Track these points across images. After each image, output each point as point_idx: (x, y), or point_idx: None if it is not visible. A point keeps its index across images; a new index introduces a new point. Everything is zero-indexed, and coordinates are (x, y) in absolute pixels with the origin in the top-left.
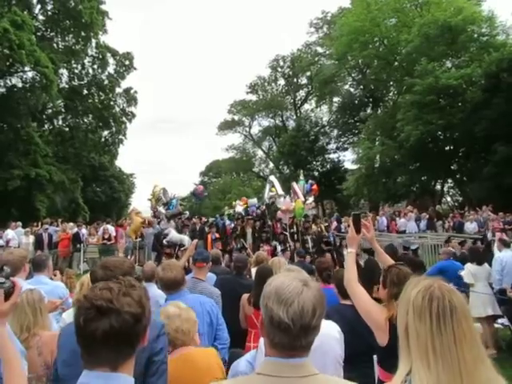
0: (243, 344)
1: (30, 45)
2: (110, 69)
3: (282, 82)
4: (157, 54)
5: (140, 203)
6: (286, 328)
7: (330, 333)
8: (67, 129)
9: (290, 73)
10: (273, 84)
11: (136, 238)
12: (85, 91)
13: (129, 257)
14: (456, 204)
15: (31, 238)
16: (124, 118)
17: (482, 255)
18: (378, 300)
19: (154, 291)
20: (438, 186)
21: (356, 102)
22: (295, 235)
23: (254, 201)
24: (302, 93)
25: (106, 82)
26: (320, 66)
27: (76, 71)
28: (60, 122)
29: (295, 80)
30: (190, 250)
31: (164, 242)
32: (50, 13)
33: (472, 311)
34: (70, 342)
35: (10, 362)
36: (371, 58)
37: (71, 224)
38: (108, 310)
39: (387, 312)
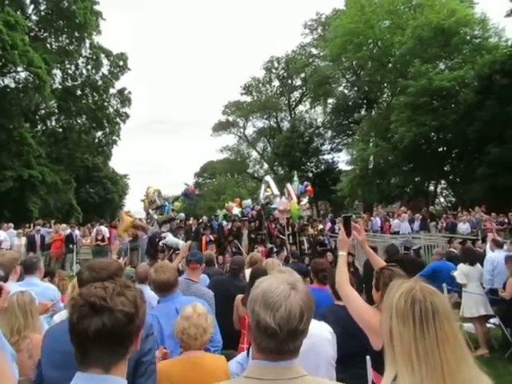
0: (236, 346)
1: (23, 45)
2: (104, 69)
3: (276, 83)
4: (151, 55)
5: (134, 204)
6: (273, 333)
7: (322, 334)
8: (60, 129)
9: (285, 74)
10: (267, 85)
11: (127, 237)
12: (78, 92)
13: (121, 258)
14: (449, 205)
15: (23, 240)
16: (118, 119)
17: (475, 255)
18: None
19: (147, 293)
20: (432, 187)
21: (350, 103)
22: (291, 237)
23: (248, 202)
24: (296, 94)
25: (99, 82)
26: (314, 67)
27: (69, 72)
28: (53, 123)
29: (290, 81)
30: (183, 252)
31: (160, 244)
32: (43, 13)
33: (464, 311)
34: (59, 343)
35: (2, 375)
36: (365, 60)
37: (64, 225)
38: (101, 308)
39: (380, 315)
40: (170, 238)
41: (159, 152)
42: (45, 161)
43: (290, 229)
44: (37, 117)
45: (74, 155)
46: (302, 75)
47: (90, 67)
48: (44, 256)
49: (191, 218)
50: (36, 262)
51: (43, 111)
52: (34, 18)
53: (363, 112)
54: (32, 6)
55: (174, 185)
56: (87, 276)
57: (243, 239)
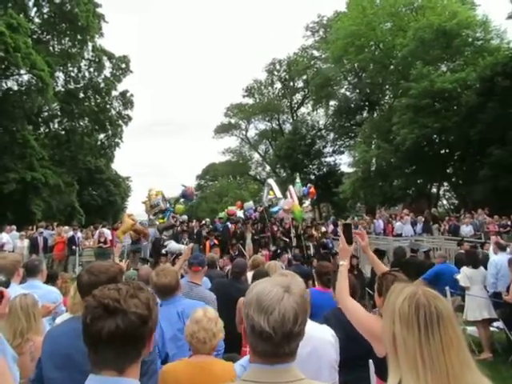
0: (239, 349)
1: (26, 48)
2: (107, 72)
3: (278, 85)
4: (153, 57)
5: (136, 206)
6: (268, 337)
7: (324, 337)
8: (63, 132)
9: (287, 76)
10: (269, 87)
11: (124, 239)
12: (81, 94)
13: (123, 261)
14: (452, 207)
15: (26, 242)
16: (120, 121)
17: (478, 258)
18: None
19: None
20: (434, 190)
21: (352, 105)
22: (294, 239)
23: (250, 204)
24: (298, 96)
25: (102, 85)
26: (316, 69)
27: (72, 74)
28: (56, 126)
29: (291, 83)
30: (185, 254)
31: (162, 251)
32: (45, 16)
33: (468, 314)
34: (59, 345)
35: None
36: (367, 62)
37: (66, 227)
38: (115, 310)
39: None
40: (172, 245)
41: (161, 154)
42: (47, 163)
43: (293, 231)
44: (39, 119)
45: (76, 157)
46: (304, 77)
47: (92, 70)
48: (47, 258)
49: (194, 221)
50: (38, 265)
51: (46, 114)
52: (36, 20)
53: (365, 114)
54: (35, 9)
55: (176, 187)
56: (86, 279)
57: (247, 242)
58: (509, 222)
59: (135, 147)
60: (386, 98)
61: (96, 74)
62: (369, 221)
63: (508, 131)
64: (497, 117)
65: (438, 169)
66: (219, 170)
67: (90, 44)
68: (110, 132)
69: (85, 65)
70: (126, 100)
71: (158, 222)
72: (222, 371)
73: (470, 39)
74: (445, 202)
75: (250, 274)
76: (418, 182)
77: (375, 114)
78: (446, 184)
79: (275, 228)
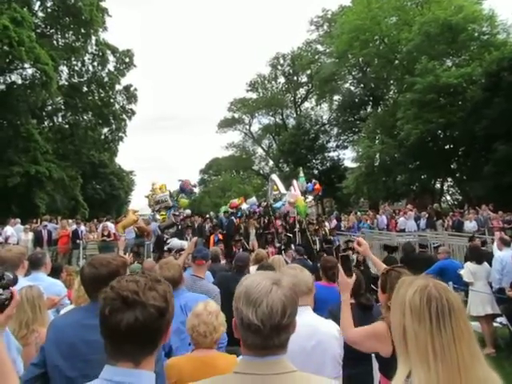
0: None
1: (30, 42)
2: (110, 66)
3: (282, 80)
4: (157, 52)
5: (139, 200)
6: (257, 329)
7: (329, 331)
8: (67, 126)
9: (291, 71)
10: (273, 82)
11: (123, 233)
12: (85, 88)
13: (128, 254)
14: (455, 203)
15: (30, 235)
16: (124, 116)
17: (482, 254)
18: None
19: None
20: (438, 185)
21: (356, 100)
22: (298, 234)
23: (253, 200)
24: (302, 91)
25: (105, 79)
26: (320, 64)
27: (76, 68)
28: (60, 119)
29: (295, 78)
30: (189, 248)
31: (165, 247)
32: (49, 10)
33: (471, 310)
34: (65, 334)
35: (6, 374)
36: (372, 57)
37: (70, 221)
38: (134, 302)
39: (387, 319)
40: (174, 242)
41: (165, 148)
42: (51, 157)
43: (297, 226)
44: (43, 113)
45: (80, 151)
46: (308, 72)
47: (96, 64)
48: (51, 251)
49: (196, 216)
50: (42, 258)
51: (50, 107)
52: (40, 14)
53: (369, 109)
54: (38, 3)
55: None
56: (87, 272)
57: (251, 238)
58: None
59: (139, 141)
60: (391, 92)
61: (100, 68)
62: (372, 216)
63: None
64: (502, 112)
65: (442, 164)
66: (222, 165)
67: (93, 38)
68: (113, 126)
69: (88, 59)
70: (130, 94)
71: (159, 217)
72: (225, 365)
73: (476, 34)
74: (448, 197)
75: (253, 268)
76: (422, 177)
77: (379, 109)
78: (449, 179)
79: (279, 223)
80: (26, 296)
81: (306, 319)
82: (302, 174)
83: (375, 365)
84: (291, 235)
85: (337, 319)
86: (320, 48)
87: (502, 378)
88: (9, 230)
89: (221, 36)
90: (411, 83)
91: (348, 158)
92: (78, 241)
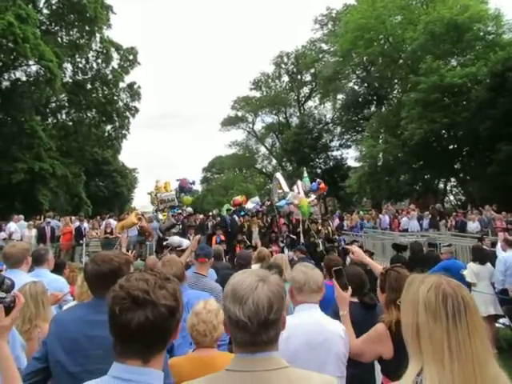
0: None
1: (35, 38)
2: (114, 63)
3: (285, 78)
4: (160, 49)
5: (142, 198)
6: (244, 326)
7: (335, 330)
8: (71, 123)
9: (294, 69)
10: (277, 80)
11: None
12: (88, 86)
13: (130, 251)
14: (459, 203)
15: (34, 232)
16: (127, 113)
17: (485, 254)
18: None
19: None
20: (441, 185)
21: (360, 99)
22: (301, 234)
23: (257, 199)
24: (305, 90)
25: (109, 76)
26: (324, 62)
27: (80, 65)
28: (64, 116)
29: (299, 77)
30: (192, 246)
31: (164, 243)
32: (54, 7)
33: None
34: (67, 330)
35: (11, 378)
36: (376, 56)
37: (73, 218)
38: (144, 302)
39: (386, 319)
40: (172, 239)
41: (168, 146)
42: (55, 154)
43: (300, 226)
44: (47, 110)
45: (83, 148)
46: (312, 71)
47: (100, 61)
48: (54, 248)
49: (198, 214)
50: (44, 254)
51: (54, 104)
52: (45, 11)
53: (373, 108)
54: (43, 0)
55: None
56: (90, 268)
57: (253, 237)
58: None
59: (142, 139)
60: (395, 92)
61: (104, 65)
62: (374, 215)
63: None
64: (507, 112)
65: (446, 164)
66: (225, 163)
67: (97, 35)
68: (117, 124)
69: (93, 56)
70: (134, 92)
71: (162, 217)
72: (224, 364)
73: (482, 33)
74: (452, 197)
75: (255, 266)
76: (425, 177)
77: (383, 109)
78: (453, 180)
79: (282, 221)
80: (30, 291)
81: (314, 316)
82: (305, 174)
83: (377, 366)
84: (294, 236)
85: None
86: (324, 47)
87: None
88: (12, 226)
89: (225, 34)
90: (415, 83)
91: (351, 157)
92: (80, 238)
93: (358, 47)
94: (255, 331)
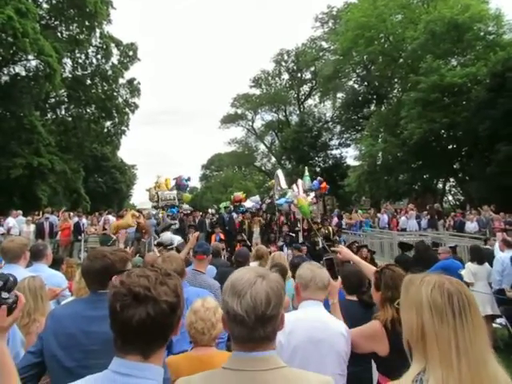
0: None
1: (34, 33)
2: (114, 59)
3: (285, 76)
4: (160, 45)
5: (141, 194)
6: (241, 320)
7: (337, 329)
8: (70, 118)
9: (295, 67)
10: (277, 78)
11: (115, 234)
12: (88, 81)
13: (128, 248)
14: (457, 203)
15: (32, 227)
16: (127, 109)
17: (483, 254)
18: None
19: None
20: (440, 185)
21: (360, 98)
22: (300, 233)
23: (257, 198)
24: (305, 88)
25: (109, 72)
26: (324, 61)
27: (80, 61)
28: (63, 112)
29: (299, 75)
30: (191, 243)
31: (154, 242)
32: (54, 1)
33: None
34: (63, 325)
35: (7, 373)
36: (376, 55)
37: (71, 214)
38: (145, 298)
39: (381, 317)
40: (164, 237)
41: (167, 143)
42: (54, 149)
43: (299, 225)
44: (47, 105)
45: (82, 144)
46: (312, 69)
47: (99, 57)
48: (52, 243)
49: (197, 212)
50: (43, 249)
51: (53, 100)
52: (45, 6)
53: (373, 107)
54: None
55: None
56: (84, 264)
57: (254, 236)
58: None
59: (141, 135)
60: (395, 91)
61: (103, 60)
62: (373, 214)
63: None
64: (506, 113)
65: (445, 164)
66: (224, 161)
67: (97, 30)
68: (116, 120)
69: (92, 51)
70: (133, 88)
71: (160, 215)
72: (222, 363)
73: (482, 33)
74: (450, 197)
75: (253, 264)
76: (424, 176)
77: (383, 108)
78: (452, 180)
79: (282, 218)
80: (29, 286)
81: (318, 313)
82: (307, 173)
83: (373, 364)
84: (294, 235)
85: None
86: (325, 45)
87: None
88: (11, 221)
89: (225, 31)
90: (415, 82)
91: (350, 156)
92: (78, 234)
93: (358, 46)
94: (252, 326)
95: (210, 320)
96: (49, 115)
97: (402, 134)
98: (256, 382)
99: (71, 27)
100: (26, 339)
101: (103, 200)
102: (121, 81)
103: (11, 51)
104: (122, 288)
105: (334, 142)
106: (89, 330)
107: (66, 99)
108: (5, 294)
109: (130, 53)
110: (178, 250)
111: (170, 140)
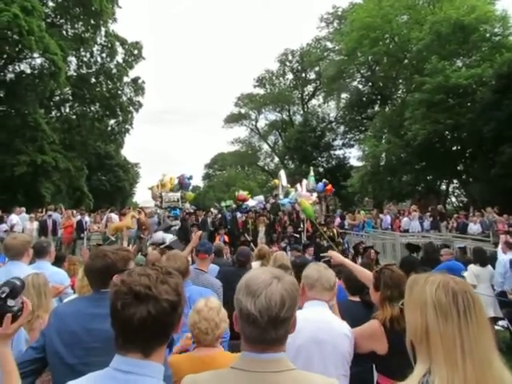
0: None
1: (40, 31)
2: (119, 58)
3: (290, 76)
4: (165, 44)
5: (144, 193)
6: (254, 320)
7: (341, 330)
8: (74, 116)
9: (299, 67)
10: (281, 78)
11: (113, 235)
12: (93, 79)
13: (131, 246)
14: (461, 205)
15: (35, 224)
16: (131, 108)
17: (486, 256)
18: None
19: None
20: (444, 186)
21: (364, 98)
22: (303, 234)
23: (261, 198)
24: (309, 88)
25: (114, 70)
26: (329, 61)
27: (84, 59)
28: (67, 110)
29: (303, 75)
30: (193, 241)
31: (148, 243)
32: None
33: None
34: (66, 323)
35: (8, 372)
36: (381, 55)
37: (74, 211)
38: (146, 297)
39: (379, 316)
40: (156, 236)
41: (170, 142)
42: (58, 147)
43: (301, 226)
44: (51, 103)
45: (86, 142)
46: (317, 69)
47: (104, 55)
48: (55, 241)
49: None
50: (46, 247)
51: (58, 98)
52: (50, 4)
53: (377, 108)
54: None
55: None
56: (86, 263)
57: (259, 236)
58: None
59: (145, 134)
60: (399, 92)
61: (108, 59)
62: (375, 215)
63: None
64: (511, 114)
65: (449, 165)
66: (228, 160)
67: (103, 29)
68: (120, 118)
69: (97, 50)
70: (138, 87)
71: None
72: (224, 364)
73: (488, 34)
74: (454, 199)
75: (255, 264)
76: (428, 178)
77: (387, 108)
78: (455, 181)
79: (285, 219)
80: (33, 283)
81: (323, 314)
82: (312, 173)
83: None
84: (298, 235)
85: (342, 317)
86: (329, 45)
87: None
88: (14, 218)
89: (230, 30)
90: (420, 83)
91: (354, 156)
92: (81, 232)
93: (363, 46)
94: (265, 327)
95: (213, 320)
96: (53, 113)
97: (405, 134)
98: (267, 383)
99: (76, 25)
100: (30, 335)
101: (106, 198)
102: (125, 79)
103: (17, 49)
104: (122, 287)
105: (338, 142)
106: (90, 327)
107: (70, 97)
108: (11, 302)
109: (135, 51)
110: (171, 248)
111: (173, 139)
